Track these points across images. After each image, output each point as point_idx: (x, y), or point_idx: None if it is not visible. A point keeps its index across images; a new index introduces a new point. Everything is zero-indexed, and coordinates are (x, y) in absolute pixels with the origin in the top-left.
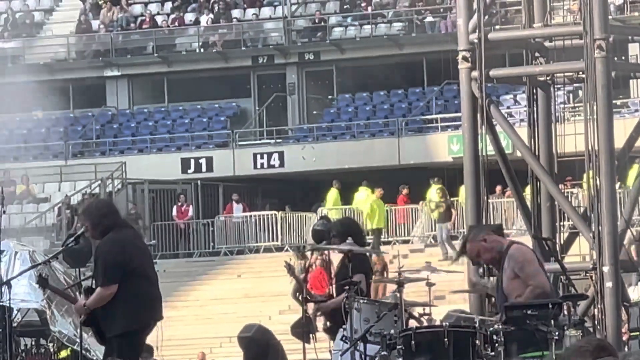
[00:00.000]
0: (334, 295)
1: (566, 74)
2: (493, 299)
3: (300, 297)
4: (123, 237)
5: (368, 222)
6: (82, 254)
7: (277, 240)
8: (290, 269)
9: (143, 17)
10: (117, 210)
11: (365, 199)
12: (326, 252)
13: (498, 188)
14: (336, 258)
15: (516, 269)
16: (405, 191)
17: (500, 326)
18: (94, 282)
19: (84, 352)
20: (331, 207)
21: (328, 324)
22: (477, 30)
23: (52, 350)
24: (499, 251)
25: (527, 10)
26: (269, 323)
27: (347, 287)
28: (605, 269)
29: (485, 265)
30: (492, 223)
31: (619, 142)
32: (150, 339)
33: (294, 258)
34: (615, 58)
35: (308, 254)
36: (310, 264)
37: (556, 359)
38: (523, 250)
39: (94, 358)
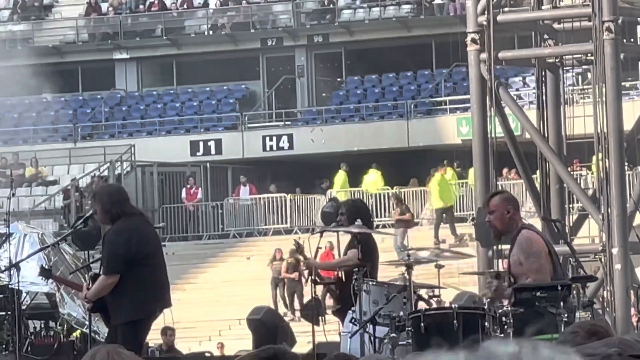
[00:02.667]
0: (343, 278)
1: (575, 56)
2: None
3: (308, 279)
4: (130, 226)
5: (438, 202)
6: (90, 237)
7: (286, 223)
8: (299, 247)
9: (152, 0)
10: (127, 197)
11: (374, 180)
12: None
13: (505, 171)
14: (343, 240)
15: (522, 257)
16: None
17: (510, 308)
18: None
19: (93, 334)
20: (339, 189)
21: (336, 306)
22: (485, 13)
23: (61, 332)
24: (510, 230)
25: None
26: (278, 305)
27: (355, 269)
28: (615, 251)
29: (495, 247)
30: None
31: (628, 124)
32: (158, 323)
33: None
34: (624, 40)
35: (317, 236)
36: (318, 246)
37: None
38: (532, 240)
39: (104, 340)
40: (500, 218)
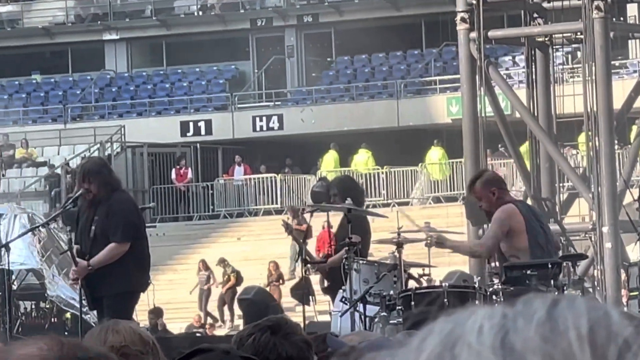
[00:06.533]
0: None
1: (565, 34)
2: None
3: (299, 262)
4: (130, 198)
5: None
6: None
7: (276, 203)
8: (288, 227)
9: None
10: None
11: (364, 160)
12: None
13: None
14: (336, 219)
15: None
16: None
17: (500, 286)
18: (83, 245)
19: (84, 315)
20: (330, 169)
21: (326, 283)
22: None
23: (51, 313)
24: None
25: None
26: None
27: (346, 248)
28: (605, 229)
29: (486, 226)
30: None
31: (618, 102)
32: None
33: (290, 218)
34: (614, 19)
35: (307, 215)
36: (309, 225)
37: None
38: (501, 210)
39: (93, 321)
40: (488, 202)
